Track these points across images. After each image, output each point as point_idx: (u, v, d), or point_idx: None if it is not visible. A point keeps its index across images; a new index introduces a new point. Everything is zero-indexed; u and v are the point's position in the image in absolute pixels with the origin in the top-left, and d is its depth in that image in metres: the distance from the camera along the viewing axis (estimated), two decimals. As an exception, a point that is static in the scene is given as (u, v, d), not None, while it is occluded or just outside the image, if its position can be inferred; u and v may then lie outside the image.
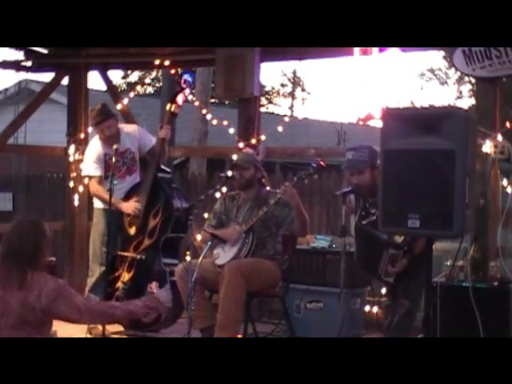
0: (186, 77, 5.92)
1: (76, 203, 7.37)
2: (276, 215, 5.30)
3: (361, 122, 6.55)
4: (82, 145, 7.25)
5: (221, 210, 5.52)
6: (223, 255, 5.28)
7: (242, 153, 6.00)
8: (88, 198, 6.94)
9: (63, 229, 7.77)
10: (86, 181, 6.52)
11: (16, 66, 7.65)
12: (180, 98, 5.90)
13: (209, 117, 7.68)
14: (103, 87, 7.99)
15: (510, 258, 5.45)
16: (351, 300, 5.78)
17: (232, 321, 5.01)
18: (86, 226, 7.19)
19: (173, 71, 7.30)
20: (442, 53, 20.29)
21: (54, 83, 7.88)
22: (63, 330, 4.21)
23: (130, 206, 5.84)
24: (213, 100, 15.17)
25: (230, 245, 5.27)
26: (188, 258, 5.52)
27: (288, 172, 7.29)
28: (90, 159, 6.05)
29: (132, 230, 5.89)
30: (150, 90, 27.57)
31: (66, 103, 7.93)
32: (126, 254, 5.90)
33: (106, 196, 5.80)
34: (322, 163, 5.12)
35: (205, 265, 5.12)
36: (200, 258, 5.02)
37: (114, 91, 8.02)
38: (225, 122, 6.72)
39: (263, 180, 5.52)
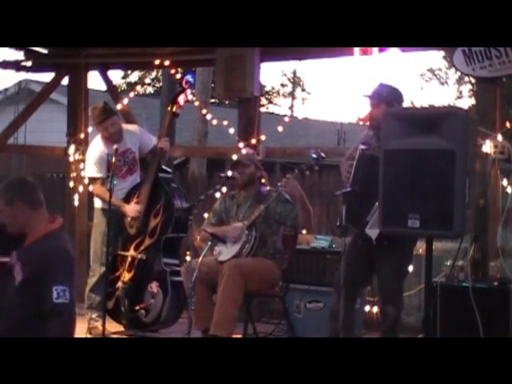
0: (188, 77, 5.92)
1: (76, 203, 7.38)
2: (278, 212, 5.27)
3: (361, 122, 6.53)
4: (81, 145, 7.26)
5: (221, 209, 5.51)
6: (226, 251, 5.25)
7: (242, 153, 5.99)
8: (88, 198, 6.93)
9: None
10: (86, 181, 6.52)
11: (16, 66, 7.66)
12: (181, 99, 5.89)
13: (209, 117, 7.68)
14: (103, 87, 8.00)
15: (510, 258, 5.46)
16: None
17: (228, 319, 4.99)
18: (86, 226, 7.19)
19: (173, 71, 7.31)
20: (442, 53, 20.26)
21: (54, 83, 7.89)
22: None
23: (132, 210, 5.83)
24: (213, 100, 15.17)
25: (232, 242, 5.25)
26: (188, 258, 5.52)
27: (288, 172, 7.28)
28: (92, 160, 6.02)
29: (132, 230, 5.88)
30: (150, 89, 27.55)
31: (66, 103, 7.94)
32: (126, 253, 5.90)
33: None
34: (322, 154, 5.09)
35: (209, 263, 5.12)
36: (200, 258, 5.01)
37: (114, 91, 8.03)
38: (225, 122, 6.72)
39: (263, 180, 5.52)
